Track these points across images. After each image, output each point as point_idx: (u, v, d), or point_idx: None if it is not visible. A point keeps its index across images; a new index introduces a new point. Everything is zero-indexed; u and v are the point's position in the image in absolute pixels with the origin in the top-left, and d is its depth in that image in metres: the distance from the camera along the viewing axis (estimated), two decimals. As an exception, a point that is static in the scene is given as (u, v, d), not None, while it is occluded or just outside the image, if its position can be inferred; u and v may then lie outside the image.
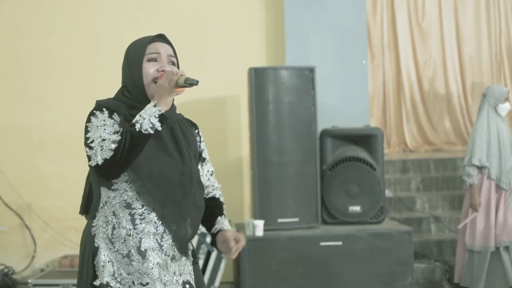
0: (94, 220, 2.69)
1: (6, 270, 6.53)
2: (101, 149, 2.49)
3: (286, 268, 5.64)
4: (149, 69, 2.69)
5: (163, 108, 2.53)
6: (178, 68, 2.81)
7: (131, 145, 2.48)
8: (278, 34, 6.91)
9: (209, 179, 2.95)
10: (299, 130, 5.83)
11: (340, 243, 5.72)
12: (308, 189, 5.88)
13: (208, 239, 5.73)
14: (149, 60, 2.70)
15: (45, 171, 6.70)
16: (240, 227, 5.95)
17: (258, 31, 6.96)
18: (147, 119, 2.49)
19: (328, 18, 6.78)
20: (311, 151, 5.88)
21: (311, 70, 5.86)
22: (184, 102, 6.78)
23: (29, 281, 5.91)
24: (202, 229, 5.76)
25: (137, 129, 2.48)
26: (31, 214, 6.78)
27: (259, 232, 5.64)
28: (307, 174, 5.87)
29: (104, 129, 2.58)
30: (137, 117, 2.51)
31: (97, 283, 2.63)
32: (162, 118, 2.51)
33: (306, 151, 5.86)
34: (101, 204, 2.68)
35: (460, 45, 9.50)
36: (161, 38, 2.78)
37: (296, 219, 5.83)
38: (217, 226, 2.86)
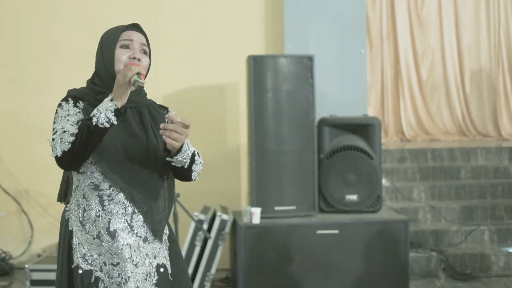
0: (68, 205, 2.79)
1: (3, 255, 6.56)
2: (61, 141, 2.58)
3: (282, 256, 5.66)
4: (121, 56, 2.74)
5: (119, 102, 2.57)
6: (150, 57, 2.86)
7: (88, 137, 2.55)
8: (277, 23, 6.90)
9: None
10: (297, 119, 5.83)
11: (336, 231, 5.73)
12: (306, 178, 5.89)
13: (205, 226, 5.74)
14: (121, 47, 2.76)
15: (44, 158, 6.63)
16: (237, 215, 5.97)
17: (257, 19, 6.95)
18: (104, 113, 2.54)
19: (328, 7, 6.77)
20: (309, 139, 5.89)
21: (310, 58, 5.86)
22: (183, 89, 6.83)
23: (26, 266, 5.91)
24: (199, 216, 5.78)
25: (94, 123, 2.54)
26: (29, 200, 6.79)
27: (256, 219, 5.65)
28: (304, 163, 5.88)
29: (68, 120, 2.64)
30: (95, 111, 2.56)
31: (72, 266, 2.71)
32: (117, 112, 2.56)
33: (304, 139, 5.87)
34: (73, 188, 2.76)
35: (459, 35, 9.51)
36: (136, 27, 2.83)
37: (293, 207, 5.84)
38: None
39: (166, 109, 2.97)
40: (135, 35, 2.79)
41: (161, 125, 2.61)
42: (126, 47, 2.76)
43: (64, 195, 2.90)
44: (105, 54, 2.78)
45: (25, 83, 6.83)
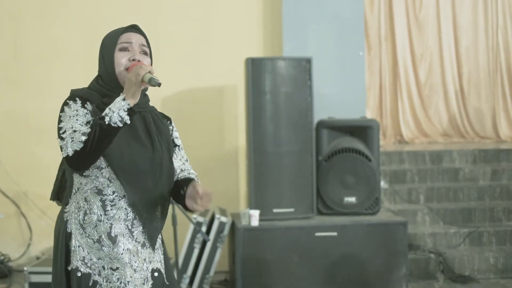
0: (67, 206, 2.77)
1: (2, 257, 6.55)
2: (72, 141, 2.55)
3: (281, 258, 5.66)
4: (121, 59, 2.75)
5: (131, 101, 2.56)
6: (151, 57, 2.87)
7: (100, 137, 2.53)
8: (276, 25, 6.91)
9: (184, 163, 2.96)
10: (296, 121, 5.84)
11: (335, 233, 5.74)
12: (304, 180, 5.89)
13: (204, 228, 5.74)
14: (121, 50, 2.77)
15: (44, 160, 6.66)
16: (236, 217, 5.97)
17: (256, 21, 6.96)
18: (116, 112, 2.53)
19: (326, 9, 6.79)
20: (307, 141, 5.89)
21: (308, 61, 5.86)
22: (182, 91, 6.83)
23: (25, 268, 5.91)
24: (197, 218, 5.78)
25: (107, 122, 2.52)
26: (28, 202, 6.78)
27: (255, 222, 5.65)
28: (303, 165, 5.88)
29: (77, 120, 2.63)
30: (107, 110, 2.55)
31: (69, 268, 2.71)
32: (130, 111, 2.55)
33: (302, 141, 5.87)
34: (73, 190, 2.75)
35: (457, 37, 9.50)
36: (135, 28, 2.84)
37: (292, 210, 5.85)
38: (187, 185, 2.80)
39: (169, 119, 2.99)
40: (134, 37, 2.80)
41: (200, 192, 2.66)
42: (125, 49, 2.77)
43: (57, 193, 2.90)
44: (106, 58, 2.78)
45: (25, 83, 6.83)
